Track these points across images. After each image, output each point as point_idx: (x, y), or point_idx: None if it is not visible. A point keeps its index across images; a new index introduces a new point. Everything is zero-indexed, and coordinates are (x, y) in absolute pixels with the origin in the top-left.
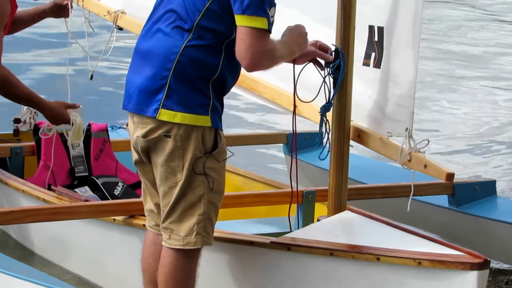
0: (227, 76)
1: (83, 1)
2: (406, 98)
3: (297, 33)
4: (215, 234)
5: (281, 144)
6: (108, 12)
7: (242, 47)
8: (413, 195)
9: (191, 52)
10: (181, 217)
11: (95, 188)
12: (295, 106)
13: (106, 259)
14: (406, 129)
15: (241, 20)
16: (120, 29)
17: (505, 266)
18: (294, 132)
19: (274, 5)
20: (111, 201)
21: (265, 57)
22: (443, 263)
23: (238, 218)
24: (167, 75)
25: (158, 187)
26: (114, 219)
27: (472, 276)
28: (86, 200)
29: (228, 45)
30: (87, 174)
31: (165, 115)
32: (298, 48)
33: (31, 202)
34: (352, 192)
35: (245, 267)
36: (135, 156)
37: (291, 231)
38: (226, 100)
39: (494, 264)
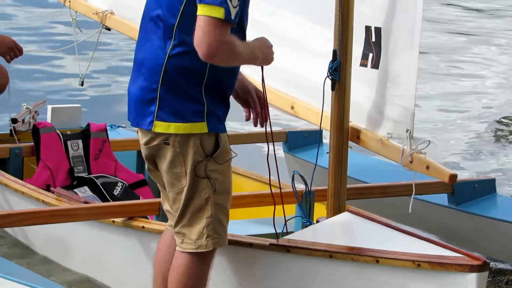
0: (221, 76)
1: (70, 1)
2: (407, 98)
3: (261, 41)
4: None
5: (281, 142)
6: (96, 12)
7: (198, 33)
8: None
9: (175, 61)
10: (191, 221)
11: (94, 188)
12: (264, 118)
13: (105, 260)
14: (407, 130)
15: (199, 9)
16: (108, 29)
17: (505, 266)
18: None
19: None
20: (110, 203)
21: (221, 48)
22: (442, 265)
23: (237, 218)
24: (157, 88)
25: (168, 193)
26: (113, 221)
27: (471, 278)
28: (86, 202)
29: None
30: (86, 174)
31: (160, 127)
32: (262, 56)
33: (30, 204)
34: (352, 191)
35: (244, 269)
36: (147, 163)
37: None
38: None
39: (494, 264)
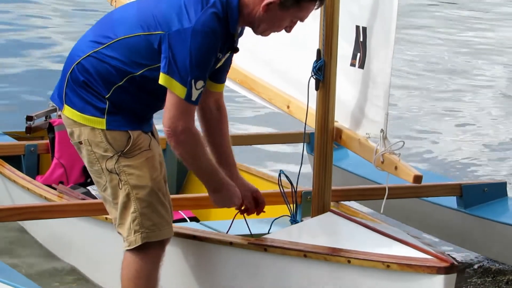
0: (128, 104)
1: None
2: (382, 99)
3: (231, 188)
4: (194, 233)
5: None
6: None
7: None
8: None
9: (92, 61)
10: (122, 219)
11: None
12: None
13: (100, 257)
14: (381, 131)
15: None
16: None
17: (505, 266)
18: None
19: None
20: (100, 200)
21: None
22: (410, 266)
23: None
24: (66, 73)
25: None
26: (106, 218)
27: (438, 280)
28: (83, 199)
29: (131, 79)
30: None
31: (68, 111)
32: (220, 194)
33: (34, 200)
34: (353, 192)
35: (224, 267)
36: None
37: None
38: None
39: (494, 264)
